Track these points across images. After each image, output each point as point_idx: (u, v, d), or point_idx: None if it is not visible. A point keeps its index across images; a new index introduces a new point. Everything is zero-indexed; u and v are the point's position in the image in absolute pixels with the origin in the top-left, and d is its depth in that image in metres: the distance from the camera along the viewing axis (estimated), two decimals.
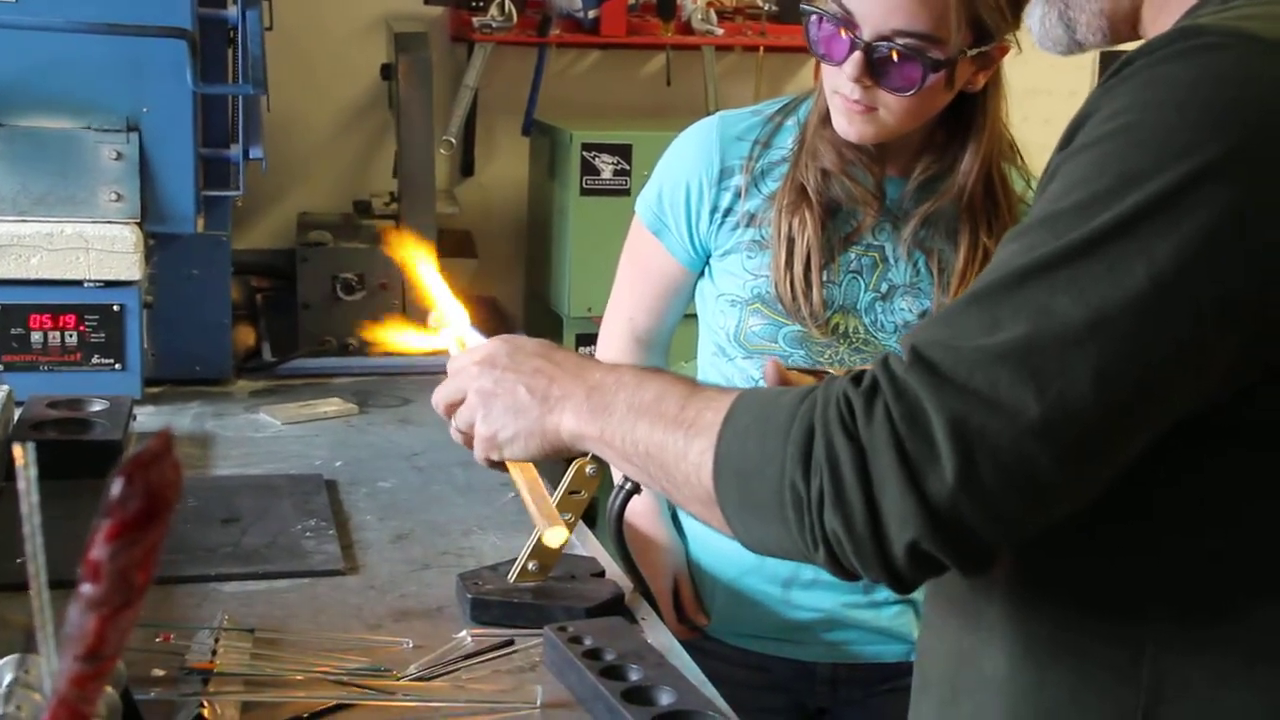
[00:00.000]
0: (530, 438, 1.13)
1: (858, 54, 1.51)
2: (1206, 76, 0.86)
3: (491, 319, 2.77)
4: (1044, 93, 3.20)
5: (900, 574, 0.88)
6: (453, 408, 1.20)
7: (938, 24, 1.50)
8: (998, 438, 0.83)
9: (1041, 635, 0.97)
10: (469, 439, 1.19)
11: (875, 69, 1.52)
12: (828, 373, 1.31)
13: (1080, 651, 0.96)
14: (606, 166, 2.74)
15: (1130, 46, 1.06)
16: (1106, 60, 3.33)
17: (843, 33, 1.51)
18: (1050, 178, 0.92)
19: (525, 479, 1.23)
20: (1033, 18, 1.07)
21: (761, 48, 3.13)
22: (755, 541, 0.96)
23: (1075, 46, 1.06)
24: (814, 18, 1.54)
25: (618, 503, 1.44)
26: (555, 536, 1.27)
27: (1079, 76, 3.39)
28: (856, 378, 0.89)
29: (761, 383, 1.71)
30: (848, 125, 1.57)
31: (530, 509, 1.25)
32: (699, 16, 3.02)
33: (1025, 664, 0.98)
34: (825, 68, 1.57)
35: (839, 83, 1.55)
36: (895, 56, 1.51)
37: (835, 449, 0.87)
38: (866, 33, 1.50)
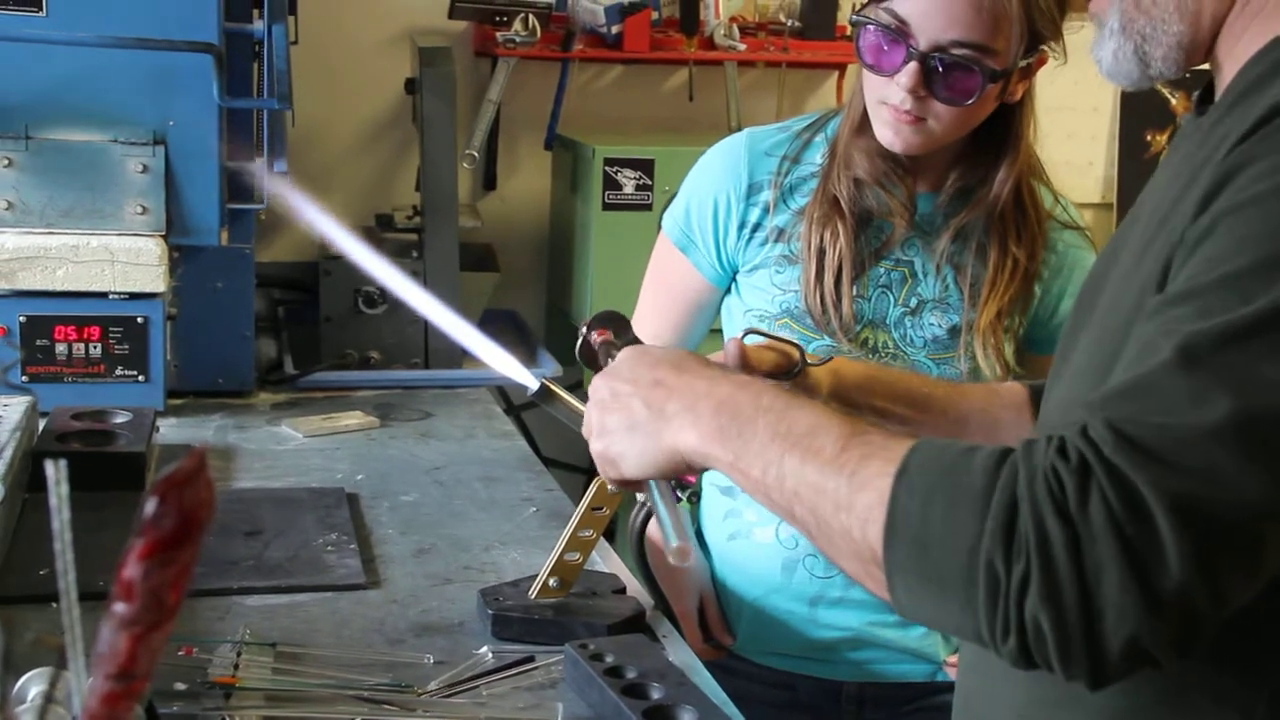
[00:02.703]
0: (644, 455, 1.06)
1: (913, 64, 1.51)
2: None
3: (512, 333, 2.78)
4: (1067, 109, 3.20)
5: (1109, 670, 0.82)
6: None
7: (994, 34, 1.50)
8: (1224, 520, 0.79)
9: (1147, 690, 0.93)
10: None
11: (930, 79, 1.52)
12: (793, 344, 1.29)
13: (1188, 707, 0.93)
14: (629, 181, 2.74)
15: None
16: None
17: (897, 43, 1.52)
18: (1205, 234, 0.87)
19: (664, 498, 1.13)
20: (1103, 50, 1.03)
21: (784, 63, 3.13)
22: (923, 616, 0.89)
23: (1146, 80, 1.03)
24: (867, 28, 1.54)
25: (639, 519, 1.44)
26: (680, 557, 1.13)
27: (1101, 94, 3.39)
28: (1061, 449, 0.83)
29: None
30: (894, 136, 1.57)
31: (665, 531, 1.12)
32: (722, 32, 3.03)
33: (1127, 718, 0.94)
34: (872, 79, 1.57)
35: (888, 93, 1.55)
36: (952, 67, 1.51)
37: (1046, 531, 0.80)
38: (922, 42, 1.51)
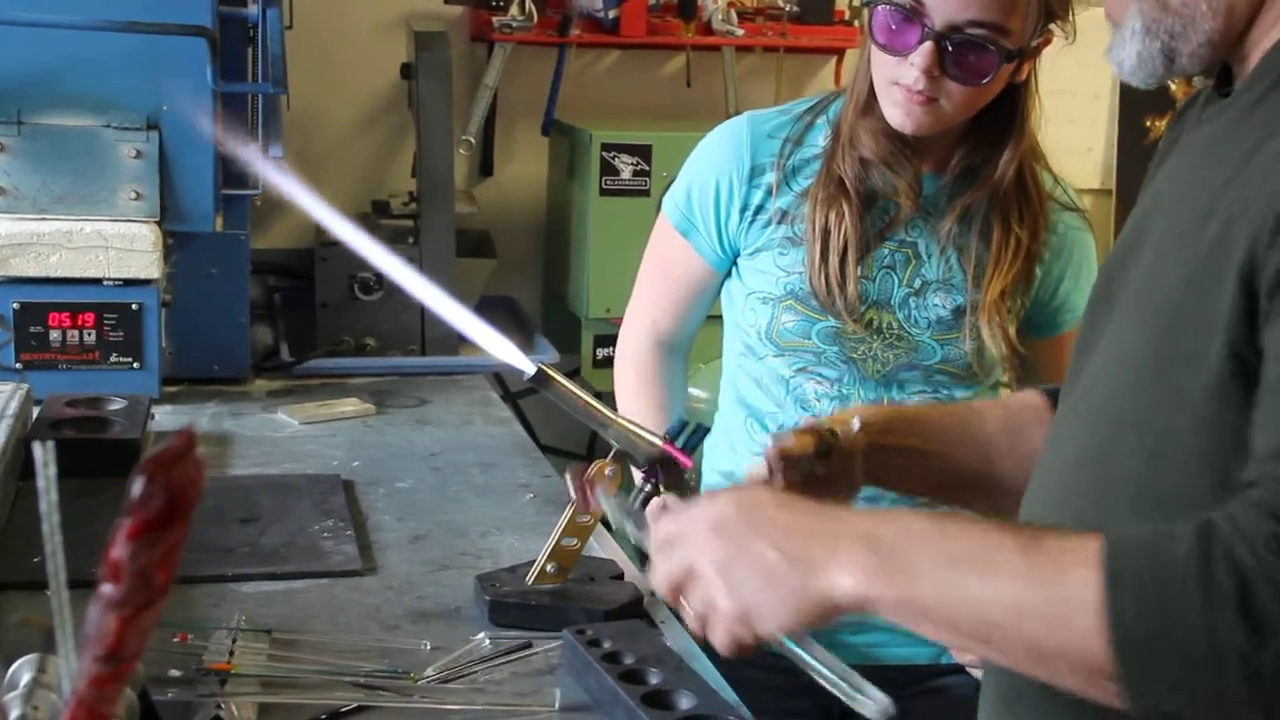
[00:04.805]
0: (786, 606, 0.95)
1: (928, 45, 1.51)
2: None
3: (509, 320, 2.76)
4: (1068, 94, 3.19)
5: None
6: (681, 584, 1.00)
7: (1009, 13, 1.50)
8: None
9: None
10: (707, 620, 1.00)
11: (944, 59, 1.51)
12: (828, 430, 1.24)
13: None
14: (626, 167, 2.73)
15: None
16: None
17: (911, 23, 1.51)
18: None
19: (819, 654, 1.03)
20: (1124, 52, 1.01)
21: (782, 48, 3.12)
22: (1167, 713, 0.84)
23: (1169, 77, 1.01)
24: (880, 8, 1.53)
25: (636, 504, 1.42)
26: (875, 708, 1.02)
27: (1101, 80, 3.38)
28: (1273, 513, 0.80)
29: (794, 380, 1.70)
30: (904, 117, 1.56)
31: (845, 692, 1.02)
32: (719, 17, 3.01)
33: None
34: (883, 59, 1.56)
35: (901, 73, 1.54)
36: (967, 47, 1.50)
37: None
38: (938, 22, 1.50)
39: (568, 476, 1.21)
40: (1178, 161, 1.07)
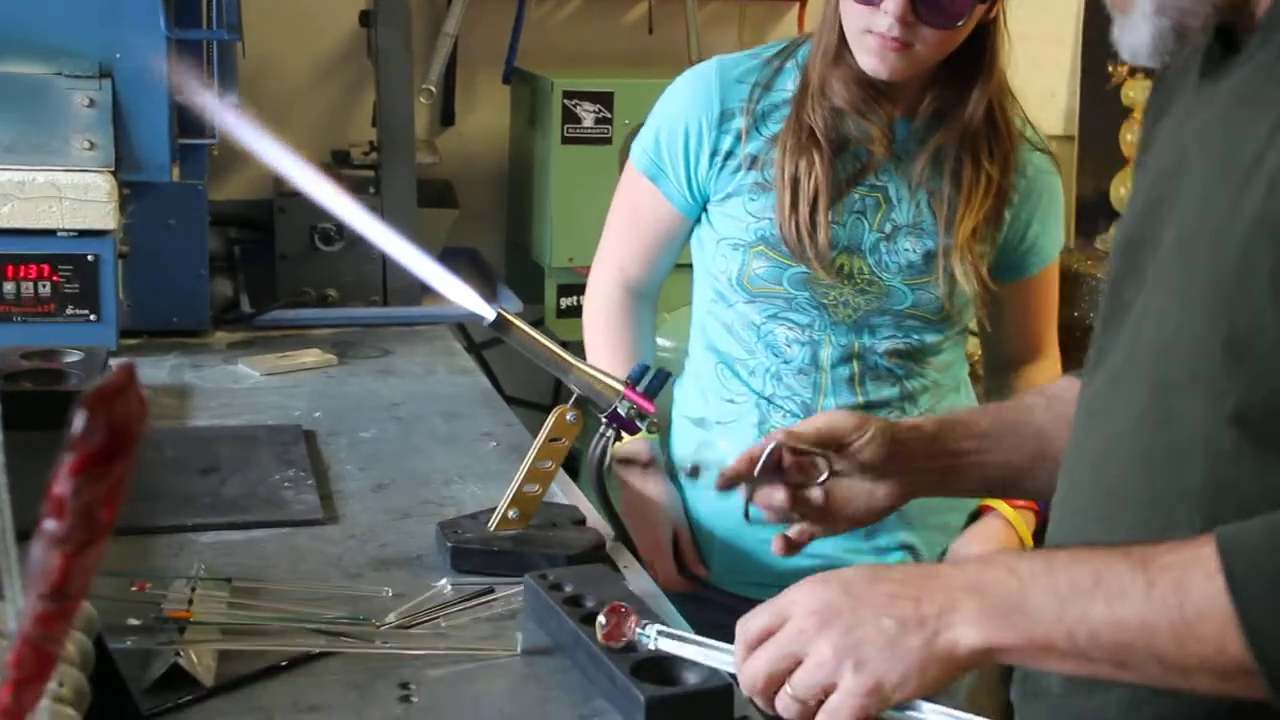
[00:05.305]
0: (914, 671, 0.94)
1: None
2: None
3: (472, 271, 2.75)
4: (1031, 38, 3.17)
5: None
6: (782, 675, 0.98)
7: None
8: None
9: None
10: (809, 709, 0.97)
11: (918, 5, 1.51)
12: (821, 456, 1.27)
13: None
14: (588, 115, 2.71)
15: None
16: (1090, 6, 3.30)
17: None
18: None
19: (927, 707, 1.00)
20: (1137, 36, 1.00)
21: None
22: None
23: (1179, 52, 1.01)
24: None
25: (598, 450, 1.43)
26: None
27: (1064, 25, 3.37)
28: None
29: (766, 326, 1.70)
30: (879, 63, 1.56)
31: None
32: None
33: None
34: (854, 7, 1.56)
35: (874, 21, 1.54)
36: None
37: None
38: None
39: (601, 617, 1.16)
40: (1192, 122, 1.04)
